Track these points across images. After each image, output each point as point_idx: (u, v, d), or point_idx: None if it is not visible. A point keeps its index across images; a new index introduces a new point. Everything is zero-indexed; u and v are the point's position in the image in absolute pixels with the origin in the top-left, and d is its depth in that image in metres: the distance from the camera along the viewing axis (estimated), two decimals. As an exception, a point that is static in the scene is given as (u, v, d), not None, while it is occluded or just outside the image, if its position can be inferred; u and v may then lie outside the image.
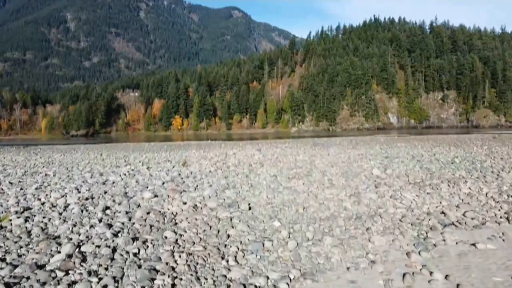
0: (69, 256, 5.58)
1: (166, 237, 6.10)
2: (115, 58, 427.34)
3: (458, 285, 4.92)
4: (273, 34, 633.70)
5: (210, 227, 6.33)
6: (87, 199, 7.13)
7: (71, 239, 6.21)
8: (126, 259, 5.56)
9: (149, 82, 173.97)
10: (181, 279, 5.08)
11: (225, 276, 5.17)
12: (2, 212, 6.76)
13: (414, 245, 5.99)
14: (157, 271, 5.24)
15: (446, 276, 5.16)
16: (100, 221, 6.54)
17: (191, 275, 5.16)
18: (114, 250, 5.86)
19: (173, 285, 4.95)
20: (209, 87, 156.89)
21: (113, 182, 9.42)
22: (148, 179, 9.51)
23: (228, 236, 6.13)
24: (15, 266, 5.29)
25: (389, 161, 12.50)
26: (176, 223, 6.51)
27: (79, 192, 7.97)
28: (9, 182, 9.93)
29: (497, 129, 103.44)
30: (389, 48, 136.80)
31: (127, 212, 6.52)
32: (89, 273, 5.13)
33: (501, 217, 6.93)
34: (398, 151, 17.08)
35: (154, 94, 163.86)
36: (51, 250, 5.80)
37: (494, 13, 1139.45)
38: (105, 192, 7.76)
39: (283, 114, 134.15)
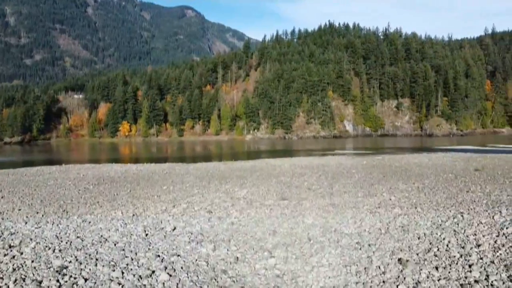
0: None
1: None
2: (60, 56, 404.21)
3: None
4: (227, 35, 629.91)
5: None
6: None
7: None
8: None
9: (94, 84, 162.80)
10: None
11: None
12: None
13: None
14: None
15: None
16: None
17: None
18: None
19: None
20: (160, 91, 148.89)
21: None
22: None
23: None
24: None
25: None
26: None
27: None
28: None
29: (449, 137, 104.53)
30: (344, 55, 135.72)
31: None
32: None
33: None
34: (418, 227, 12.47)
35: (100, 97, 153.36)
36: None
37: (436, 20, 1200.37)
38: None
39: (238, 120, 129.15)
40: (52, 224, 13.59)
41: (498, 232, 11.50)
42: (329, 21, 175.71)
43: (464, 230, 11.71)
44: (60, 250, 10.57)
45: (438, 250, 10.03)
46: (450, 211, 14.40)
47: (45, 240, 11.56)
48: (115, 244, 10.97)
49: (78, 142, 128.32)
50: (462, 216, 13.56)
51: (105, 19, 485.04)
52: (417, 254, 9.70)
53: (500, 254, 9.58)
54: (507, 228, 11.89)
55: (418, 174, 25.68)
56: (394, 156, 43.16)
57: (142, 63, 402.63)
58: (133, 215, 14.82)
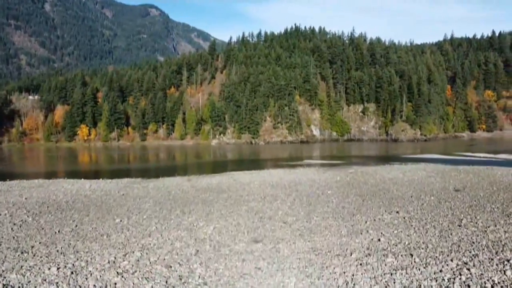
0: None
1: None
2: (15, 53, 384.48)
3: None
4: (192, 35, 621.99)
5: None
6: None
7: None
8: None
9: (51, 85, 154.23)
10: None
11: None
12: None
13: None
14: None
15: None
16: None
17: None
18: None
19: None
20: (121, 93, 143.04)
21: None
22: None
23: None
24: None
25: None
26: None
27: None
28: None
29: (414, 143, 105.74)
30: (311, 59, 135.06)
31: None
32: None
33: None
34: None
35: (57, 99, 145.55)
36: None
37: (397, 25, 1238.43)
38: None
39: (203, 124, 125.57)
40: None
41: (522, 303, 9.50)
42: (295, 24, 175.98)
43: (481, 299, 9.66)
44: None
45: None
46: (452, 260, 12.39)
47: None
48: None
49: (32, 147, 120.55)
50: (469, 271, 11.53)
51: (64, 16, 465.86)
52: None
53: None
54: (529, 294, 9.94)
55: (399, 197, 23.90)
56: (366, 168, 41.69)
57: (103, 62, 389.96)
58: (72, 272, 11.87)
